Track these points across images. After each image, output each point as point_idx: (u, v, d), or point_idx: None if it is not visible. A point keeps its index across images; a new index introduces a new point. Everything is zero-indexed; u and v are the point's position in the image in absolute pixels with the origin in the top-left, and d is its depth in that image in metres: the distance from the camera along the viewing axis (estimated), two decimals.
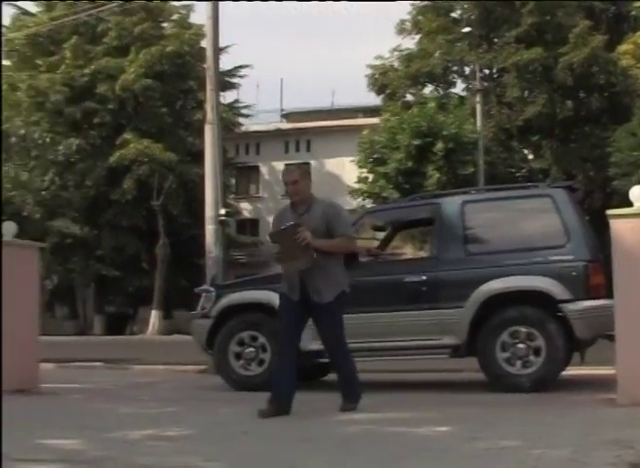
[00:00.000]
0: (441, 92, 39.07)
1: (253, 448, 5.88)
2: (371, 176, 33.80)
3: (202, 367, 13.21)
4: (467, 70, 39.13)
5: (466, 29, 37.18)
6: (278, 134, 45.80)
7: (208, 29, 16.67)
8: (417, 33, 39.57)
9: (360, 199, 33.84)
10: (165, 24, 40.33)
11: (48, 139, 36.83)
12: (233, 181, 44.19)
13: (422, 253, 13.85)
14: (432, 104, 33.73)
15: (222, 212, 15.53)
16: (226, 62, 37.06)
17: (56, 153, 36.97)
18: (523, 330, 9.03)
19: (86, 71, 37.05)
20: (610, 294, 8.31)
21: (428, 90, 38.84)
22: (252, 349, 9.97)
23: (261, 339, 9.90)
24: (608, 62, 35.67)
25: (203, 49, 22.72)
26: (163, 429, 6.66)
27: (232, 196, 41.71)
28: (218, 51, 16.69)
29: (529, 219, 9.76)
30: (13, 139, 37.42)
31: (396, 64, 39.20)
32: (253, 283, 10.83)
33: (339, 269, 7.59)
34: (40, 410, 8.41)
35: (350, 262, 9.83)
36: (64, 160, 37.17)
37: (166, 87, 37.60)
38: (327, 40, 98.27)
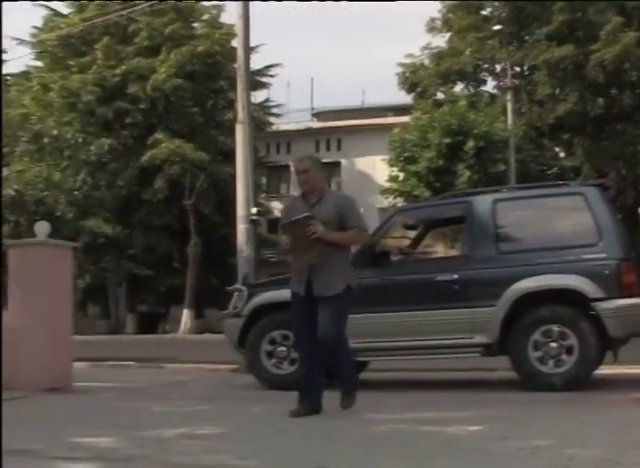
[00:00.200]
0: (472, 90, 38.83)
1: (284, 447, 5.90)
2: (402, 175, 33.67)
3: (234, 365, 13.22)
4: (498, 68, 38.87)
5: (497, 27, 37.01)
6: (309, 133, 45.72)
7: (238, 29, 16.77)
8: (447, 31, 39.37)
9: (391, 198, 33.70)
10: (196, 24, 40.40)
11: (80, 140, 36.97)
12: (264, 181, 44.19)
13: (454, 252, 13.76)
14: (463, 102, 33.58)
15: (254, 211, 15.60)
16: (257, 62, 37.31)
17: (88, 153, 37.09)
18: (555, 328, 8.98)
19: (117, 71, 37.17)
20: None
21: (459, 88, 38.61)
22: (283, 348, 9.98)
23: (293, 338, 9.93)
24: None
25: (234, 48, 22.75)
26: (195, 428, 6.69)
27: (263, 195, 41.68)
28: (248, 50, 16.78)
29: (561, 218, 9.71)
30: (46, 140, 37.57)
31: (426, 62, 39.01)
32: (284, 282, 10.81)
33: (346, 264, 7.44)
34: (74, 409, 8.46)
35: (382, 261, 9.89)
36: (96, 160, 37.31)
37: (197, 87, 37.66)
38: (357, 39, 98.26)
